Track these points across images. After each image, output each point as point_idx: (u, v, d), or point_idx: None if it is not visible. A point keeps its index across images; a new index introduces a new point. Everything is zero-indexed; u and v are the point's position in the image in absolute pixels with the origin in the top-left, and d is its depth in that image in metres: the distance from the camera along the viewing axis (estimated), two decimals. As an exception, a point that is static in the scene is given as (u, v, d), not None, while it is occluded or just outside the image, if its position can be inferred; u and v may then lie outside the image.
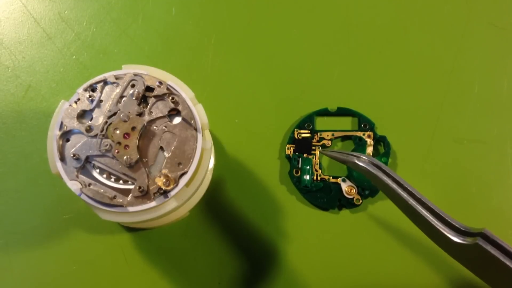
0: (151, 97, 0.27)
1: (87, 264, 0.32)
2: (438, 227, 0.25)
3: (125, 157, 0.25)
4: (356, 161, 0.27)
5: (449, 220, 0.25)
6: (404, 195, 0.26)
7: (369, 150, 0.34)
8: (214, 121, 0.33)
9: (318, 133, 0.35)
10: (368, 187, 0.33)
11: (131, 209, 0.25)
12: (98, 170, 0.26)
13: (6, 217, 0.33)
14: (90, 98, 0.26)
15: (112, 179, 0.26)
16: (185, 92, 0.27)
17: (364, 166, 0.27)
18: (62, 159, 0.25)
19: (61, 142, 0.26)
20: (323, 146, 0.34)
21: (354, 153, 0.28)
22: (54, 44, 0.36)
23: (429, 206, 0.25)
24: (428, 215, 0.25)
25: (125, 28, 0.37)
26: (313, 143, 0.34)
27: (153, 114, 0.26)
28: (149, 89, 0.27)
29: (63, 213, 0.33)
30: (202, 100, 0.28)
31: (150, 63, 0.30)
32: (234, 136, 0.35)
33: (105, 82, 0.27)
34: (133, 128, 0.26)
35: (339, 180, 0.34)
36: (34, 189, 0.33)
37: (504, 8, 0.38)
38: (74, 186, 0.25)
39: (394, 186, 0.26)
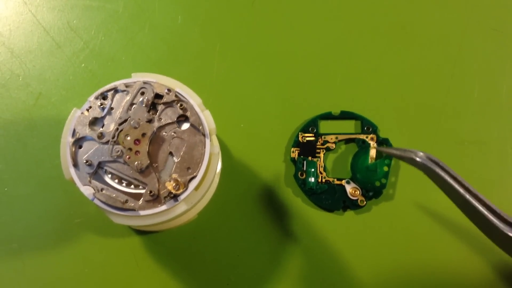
0: (160, 104, 0.27)
1: (98, 266, 0.33)
2: (493, 222, 0.26)
3: (136, 163, 0.26)
4: (414, 157, 0.27)
5: (504, 216, 0.26)
6: (461, 190, 0.26)
7: (372, 152, 0.35)
8: (221, 126, 0.34)
9: (322, 137, 0.35)
10: (372, 188, 0.34)
11: (142, 212, 0.26)
12: (110, 176, 0.27)
13: (19, 222, 0.33)
14: (101, 106, 0.27)
15: (124, 184, 0.26)
16: (193, 99, 0.28)
17: (422, 161, 0.27)
18: (75, 165, 0.26)
19: (73, 149, 0.26)
20: (327, 149, 0.35)
21: (411, 149, 0.28)
22: (64, 53, 0.37)
23: (485, 202, 0.26)
24: (484, 210, 0.26)
25: (133, 36, 0.38)
26: (317, 146, 0.35)
27: (162, 120, 0.27)
28: (158, 96, 0.27)
29: (74, 217, 0.33)
30: (208, 106, 0.29)
31: (157, 70, 0.30)
32: (240, 140, 0.36)
33: (115, 90, 0.28)
34: (143, 135, 0.27)
35: (343, 182, 0.34)
36: (45, 195, 0.34)
37: (504, 13, 0.39)
38: (87, 191, 0.26)
39: (452, 181, 0.26)
